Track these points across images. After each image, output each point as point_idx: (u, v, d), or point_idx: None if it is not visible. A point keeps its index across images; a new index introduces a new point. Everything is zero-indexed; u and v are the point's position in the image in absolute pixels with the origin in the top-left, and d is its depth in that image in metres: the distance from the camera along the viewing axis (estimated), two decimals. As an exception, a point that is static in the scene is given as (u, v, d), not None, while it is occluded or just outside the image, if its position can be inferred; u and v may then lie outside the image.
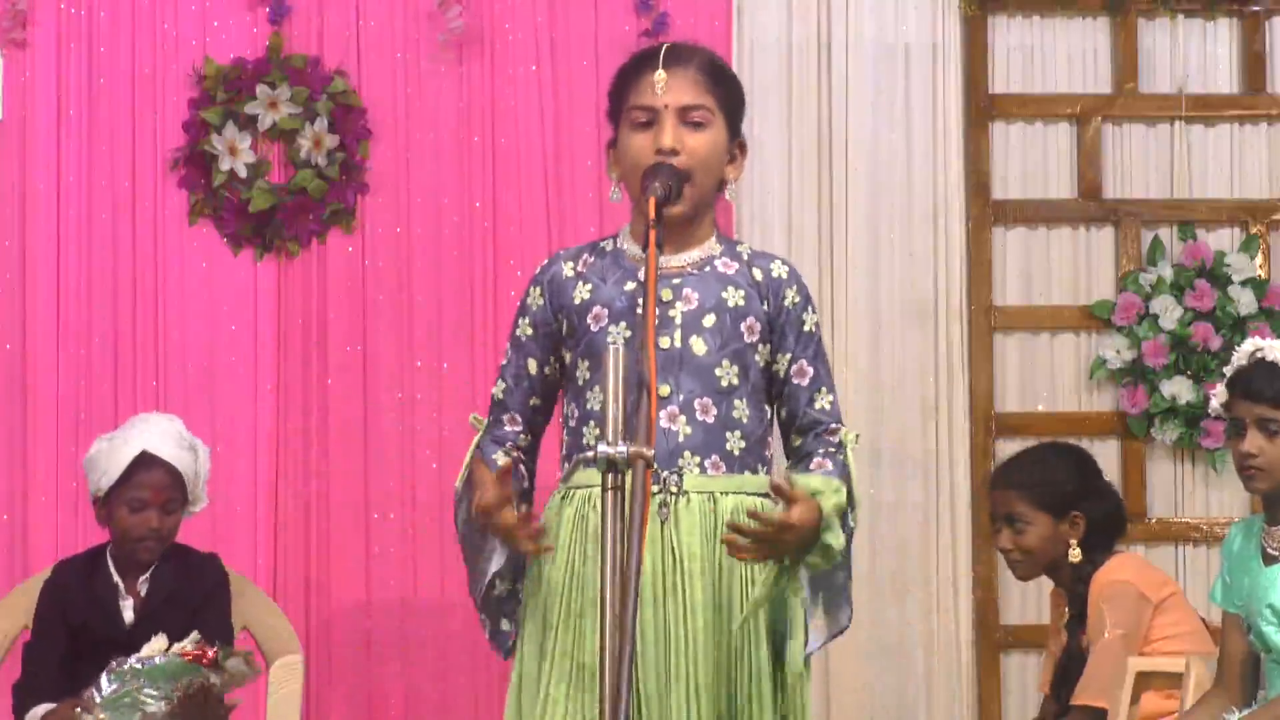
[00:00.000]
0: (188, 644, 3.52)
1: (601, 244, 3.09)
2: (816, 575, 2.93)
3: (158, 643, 3.52)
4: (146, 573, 3.80)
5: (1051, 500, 3.85)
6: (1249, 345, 3.40)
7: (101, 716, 3.43)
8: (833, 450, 2.99)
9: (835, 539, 2.85)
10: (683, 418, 2.93)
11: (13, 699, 3.79)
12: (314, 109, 4.62)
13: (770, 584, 2.88)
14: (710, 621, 2.90)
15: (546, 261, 3.11)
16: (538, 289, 3.07)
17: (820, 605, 2.96)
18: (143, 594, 3.78)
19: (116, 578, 3.79)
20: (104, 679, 3.48)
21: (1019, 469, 3.96)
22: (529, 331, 3.06)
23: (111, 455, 3.77)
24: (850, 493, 2.95)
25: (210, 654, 3.47)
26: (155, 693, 3.45)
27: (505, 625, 3.07)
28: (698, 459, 2.93)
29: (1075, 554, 3.83)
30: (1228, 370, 3.43)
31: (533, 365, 3.06)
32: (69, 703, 3.60)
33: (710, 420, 2.93)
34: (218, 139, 4.60)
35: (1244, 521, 3.52)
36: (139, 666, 3.47)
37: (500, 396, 3.07)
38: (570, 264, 3.06)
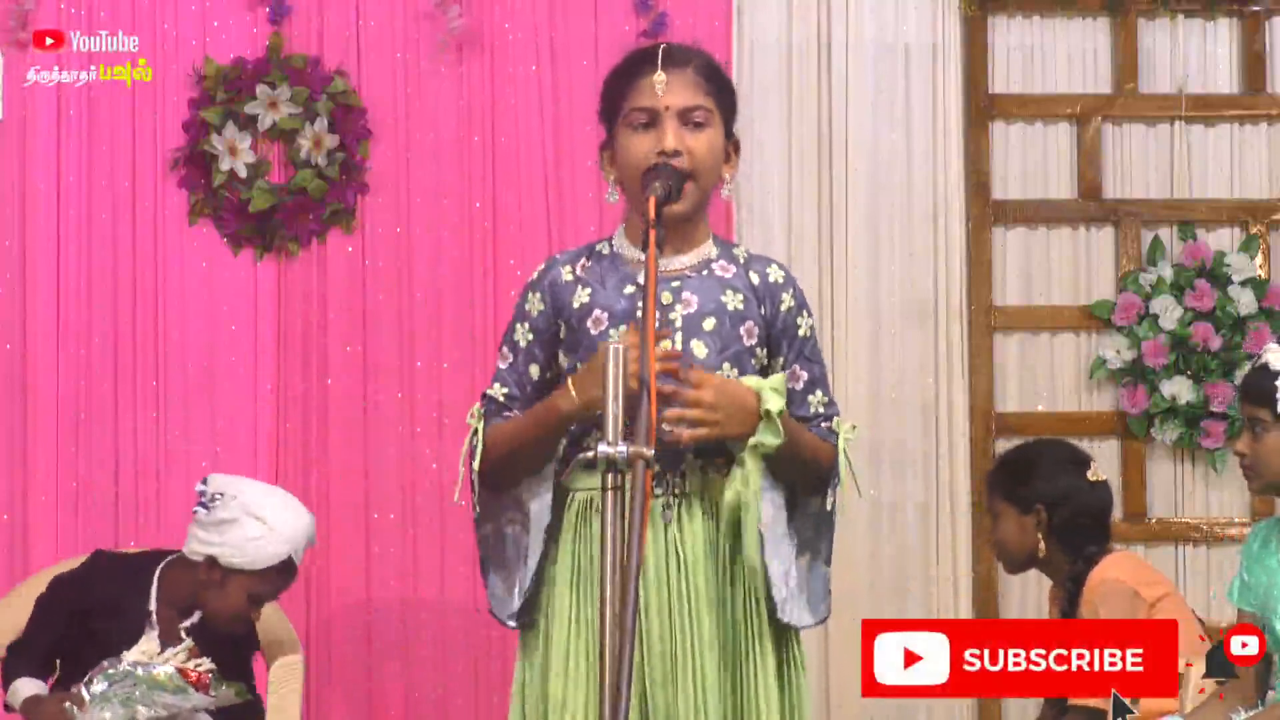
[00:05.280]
0: (182, 652, 3.51)
1: (598, 247, 3.09)
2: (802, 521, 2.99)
3: (149, 644, 3.51)
4: (193, 617, 3.71)
5: (1014, 493, 3.90)
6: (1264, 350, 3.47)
7: (90, 715, 3.44)
8: (824, 434, 3.02)
9: (776, 403, 2.85)
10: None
11: (5, 655, 3.75)
12: (314, 109, 4.62)
13: (734, 481, 2.88)
14: (715, 622, 2.90)
15: (543, 266, 3.10)
16: (537, 294, 3.06)
17: (803, 580, 3.00)
18: (182, 637, 3.67)
19: (154, 604, 3.70)
20: (96, 677, 3.47)
21: (999, 465, 4.06)
22: (530, 337, 3.05)
23: (264, 545, 3.66)
24: (835, 474, 2.99)
25: (204, 681, 3.47)
26: (147, 701, 3.45)
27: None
28: (700, 461, 2.94)
29: (1041, 548, 3.86)
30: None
31: (535, 370, 3.05)
32: (59, 695, 3.56)
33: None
34: (218, 139, 4.60)
35: (1268, 521, 3.54)
36: (131, 670, 3.46)
37: (501, 399, 3.04)
38: (568, 268, 3.05)
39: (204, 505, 3.69)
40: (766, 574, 2.93)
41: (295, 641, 4.00)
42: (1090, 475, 3.95)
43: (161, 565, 3.75)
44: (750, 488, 2.88)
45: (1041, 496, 3.88)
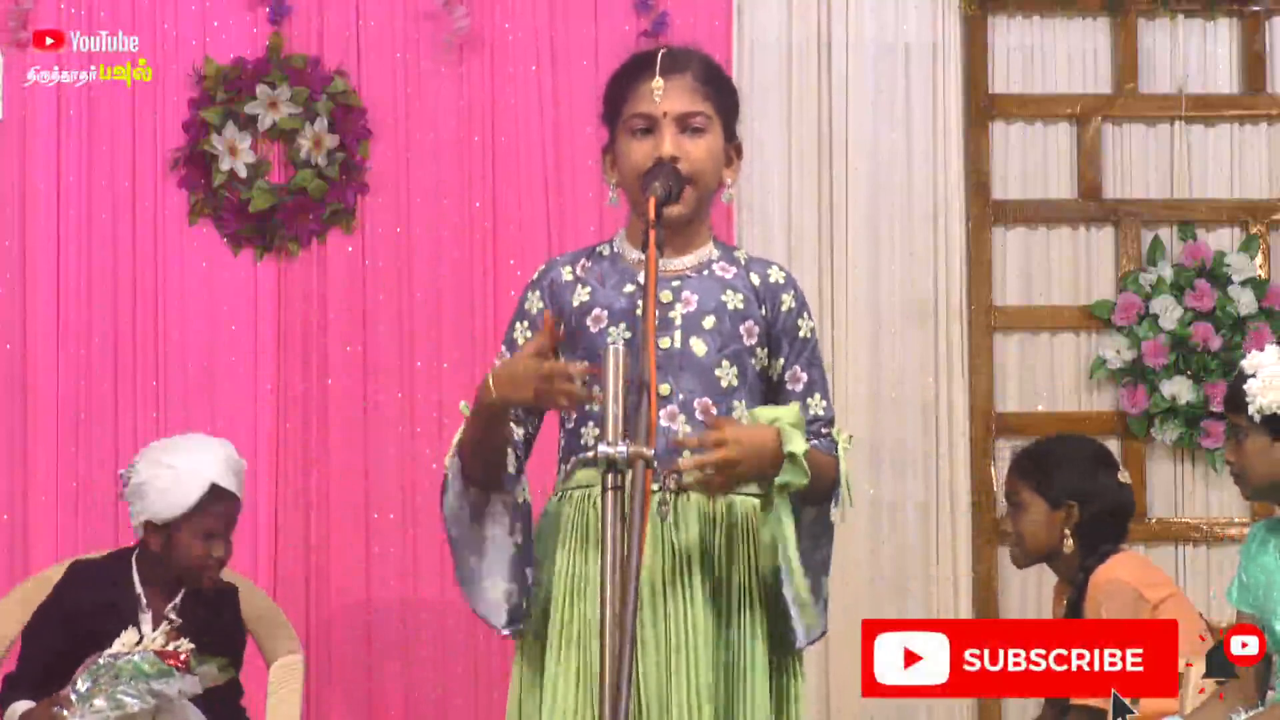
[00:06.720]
0: (159, 636, 3.51)
1: (599, 248, 3.09)
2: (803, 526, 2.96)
3: (129, 636, 3.52)
4: (176, 598, 3.75)
5: (1047, 487, 3.87)
6: None
7: (79, 715, 3.43)
8: (825, 444, 3.01)
9: (799, 444, 2.84)
10: (682, 417, 2.93)
11: (1, 686, 3.77)
12: (314, 109, 4.62)
13: (769, 523, 2.88)
14: (711, 618, 2.90)
15: (544, 266, 3.10)
16: (536, 293, 3.06)
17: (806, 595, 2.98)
18: (173, 616, 3.71)
19: (140, 589, 3.74)
20: (80, 676, 3.47)
21: (1028, 455, 4.00)
22: (528, 335, 3.04)
23: (179, 487, 3.71)
24: (838, 485, 2.97)
25: (182, 657, 3.47)
26: (133, 691, 3.45)
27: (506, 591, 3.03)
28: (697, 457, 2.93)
29: (1069, 544, 3.85)
30: None
31: None
32: (47, 701, 3.56)
33: (710, 420, 2.93)
34: (218, 139, 4.60)
35: (1265, 521, 3.54)
36: (113, 662, 3.46)
37: None
38: (569, 268, 3.06)
39: (122, 482, 3.79)
40: (785, 609, 2.93)
41: (295, 641, 4.00)
42: (1120, 476, 3.95)
43: (135, 553, 3.80)
44: (784, 526, 2.88)
45: (1075, 493, 3.87)
